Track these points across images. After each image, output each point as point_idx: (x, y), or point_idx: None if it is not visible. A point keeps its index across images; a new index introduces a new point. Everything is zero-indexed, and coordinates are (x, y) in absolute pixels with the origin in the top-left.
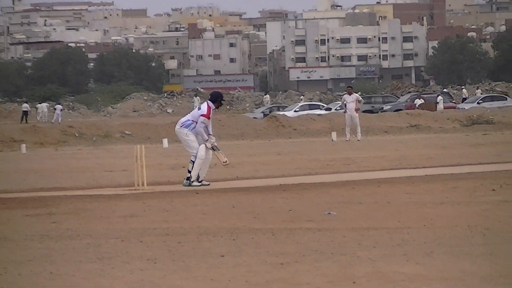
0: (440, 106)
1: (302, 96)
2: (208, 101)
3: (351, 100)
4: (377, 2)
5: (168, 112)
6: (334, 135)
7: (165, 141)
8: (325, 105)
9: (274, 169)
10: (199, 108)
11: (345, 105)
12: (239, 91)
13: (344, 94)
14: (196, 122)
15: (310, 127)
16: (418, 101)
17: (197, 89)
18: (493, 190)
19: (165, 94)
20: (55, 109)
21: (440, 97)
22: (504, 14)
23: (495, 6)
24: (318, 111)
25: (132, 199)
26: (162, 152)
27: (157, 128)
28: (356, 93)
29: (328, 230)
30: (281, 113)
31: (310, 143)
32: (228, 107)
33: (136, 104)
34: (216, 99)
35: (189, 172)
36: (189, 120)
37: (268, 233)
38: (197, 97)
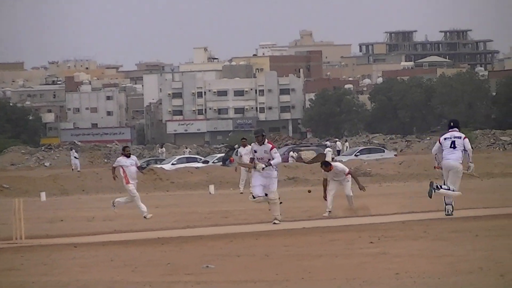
0: (328, 158)
1: (186, 148)
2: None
3: (245, 152)
4: (254, 55)
5: (45, 166)
6: (212, 188)
7: (43, 194)
8: (202, 158)
9: (153, 222)
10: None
11: (240, 157)
12: (116, 144)
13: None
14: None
15: (188, 180)
16: (293, 154)
17: (74, 142)
18: (371, 242)
19: (43, 147)
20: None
21: (328, 149)
22: (380, 66)
23: (372, 58)
24: (195, 164)
25: (10, 252)
26: (40, 206)
27: (35, 181)
28: (234, 145)
29: (207, 283)
30: (158, 166)
31: (188, 196)
32: (105, 160)
33: (14, 157)
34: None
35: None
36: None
37: (146, 286)
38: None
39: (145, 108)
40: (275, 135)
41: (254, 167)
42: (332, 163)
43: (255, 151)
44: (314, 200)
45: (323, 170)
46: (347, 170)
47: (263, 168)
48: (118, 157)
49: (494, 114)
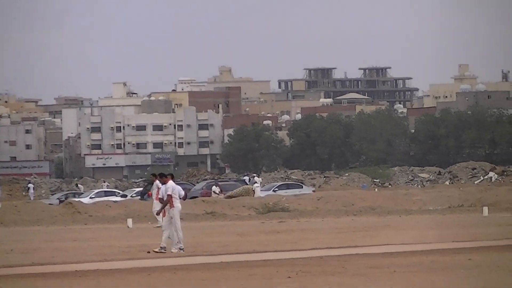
0: (257, 192)
1: (104, 182)
2: None
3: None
4: (173, 90)
5: None
6: (130, 221)
7: None
8: (121, 192)
9: (71, 255)
10: None
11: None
12: (35, 178)
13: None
14: None
15: (106, 214)
16: (216, 188)
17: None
18: (289, 277)
19: None
20: (28, 188)
21: (256, 184)
22: (299, 103)
23: (291, 95)
24: (114, 198)
25: None
26: None
27: None
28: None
29: None
30: (77, 199)
31: (106, 230)
32: (24, 193)
33: None
34: None
35: None
36: None
37: None
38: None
39: (64, 142)
40: (193, 170)
41: None
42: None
43: None
44: (232, 235)
45: (157, 181)
46: (169, 191)
47: None
48: (36, 190)
49: (412, 151)
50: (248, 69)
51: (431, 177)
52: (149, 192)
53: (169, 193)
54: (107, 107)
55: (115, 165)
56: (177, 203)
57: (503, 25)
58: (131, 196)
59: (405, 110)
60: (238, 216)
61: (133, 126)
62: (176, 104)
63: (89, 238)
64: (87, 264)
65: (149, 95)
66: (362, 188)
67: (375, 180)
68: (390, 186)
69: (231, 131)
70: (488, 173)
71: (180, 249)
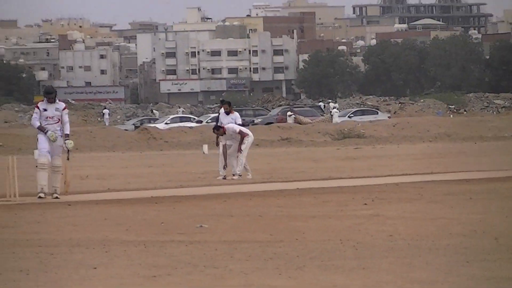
0: (335, 118)
1: (179, 108)
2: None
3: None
4: (247, 15)
5: None
6: (205, 147)
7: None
8: (196, 117)
9: (146, 181)
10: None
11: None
12: (110, 103)
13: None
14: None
15: (182, 140)
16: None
17: (68, 100)
18: (365, 204)
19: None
20: (103, 113)
21: (335, 110)
22: (374, 28)
23: (366, 20)
24: (189, 124)
25: (3, 210)
26: (33, 164)
27: (28, 139)
28: None
29: (200, 243)
30: (152, 125)
31: (181, 156)
32: (99, 119)
33: (7, 115)
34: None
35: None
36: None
37: (140, 246)
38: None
39: (139, 67)
40: (268, 96)
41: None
42: (225, 125)
43: (45, 110)
44: (307, 161)
45: (216, 135)
46: (237, 129)
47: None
48: (111, 115)
49: (487, 77)
50: None
51: (506, 103)
52: None
53: (239, 128)
54: (182, 32)
55: (190, 91)
56: (251, 133)
57: None
58: (207, 122)
59: (479, 36)
60: (313, 142)
61: (208, 51)
62: (251, 29)
63: (164, 164)
64: (162, 191)
65: (224, 20)
66: (437, 115)
67: (450, 106)
68: (465, 112)
69: (305, 56)
70: None
71: (239, 175)
